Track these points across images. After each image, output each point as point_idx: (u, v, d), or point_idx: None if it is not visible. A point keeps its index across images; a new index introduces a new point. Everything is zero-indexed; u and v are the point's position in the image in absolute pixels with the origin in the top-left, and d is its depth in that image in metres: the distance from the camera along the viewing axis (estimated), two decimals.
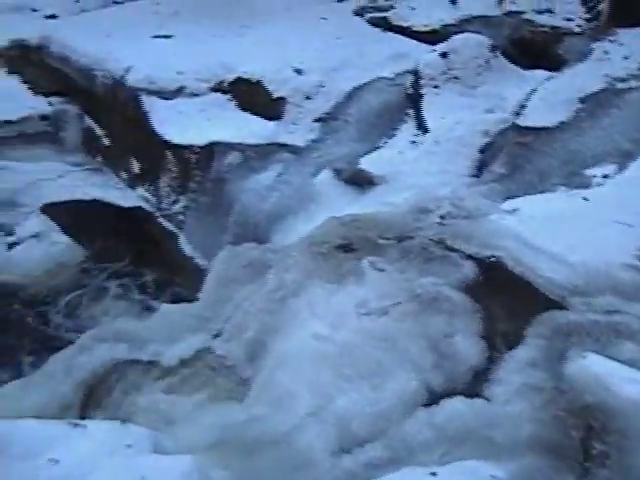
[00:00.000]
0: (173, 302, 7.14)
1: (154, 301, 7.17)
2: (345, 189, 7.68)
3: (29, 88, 9.16)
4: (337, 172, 7.83)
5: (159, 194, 8.05)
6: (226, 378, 6.13)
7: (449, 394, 5.38)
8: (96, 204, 8.09)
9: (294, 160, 7.81)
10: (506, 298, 5.95)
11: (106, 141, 8.37)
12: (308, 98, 8.32)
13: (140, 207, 8.09)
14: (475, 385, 5.45)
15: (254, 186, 7.56)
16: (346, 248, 6.58)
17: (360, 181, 7.74)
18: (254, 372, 6.00)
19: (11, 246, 7.60)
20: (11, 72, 9.43)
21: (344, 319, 5.90)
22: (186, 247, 7.69)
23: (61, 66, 9.04)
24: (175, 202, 7.84)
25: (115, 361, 6.33)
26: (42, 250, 7.63)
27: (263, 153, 7.77)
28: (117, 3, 10.55)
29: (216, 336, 6.33)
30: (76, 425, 5.16)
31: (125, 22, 9.66)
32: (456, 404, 5.30)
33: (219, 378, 6.12)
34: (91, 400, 5.90)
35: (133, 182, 8.35)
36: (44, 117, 8.62)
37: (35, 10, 10.50)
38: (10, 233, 7.68)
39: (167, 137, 7.86)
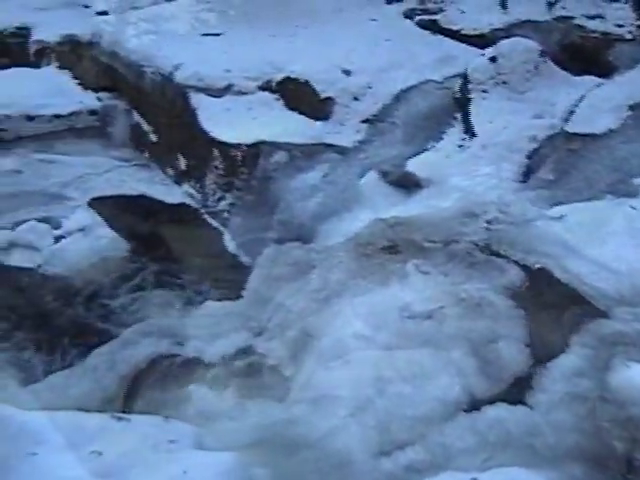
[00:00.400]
0: (216, 299, 7.19)
1: (197, 298, 7.16)
2: (391, 191, 7.68)
3: (79, 83, 9.24)
4: (383, 174, 7.83)
5: (205, 191, 8.08)
6: (267, 376, 6.15)
7: (491, 400, 5.34)
8: (142, 199, 8.15)
9: (340, 161, 7.82)
10: (551, 305, 5.91)
11: (153, 137, 8.42)
12: (356, 99, 8.32)
13: (185, 203, 8.11)
14: (518, 392, 5.42)
15: (300, 186, 7.58)
16: (391, 250, 6.58)
17: (406, 183, 7.73)
18: (295, 371, 6.02)
19: (58, 239, 7.67)
20: (62, 67, 9.53)
21: (387, 321, 5.90)
22: (230, 244, 7.71)
23: (111, 62, 9.11)
24: (220, 199, 7.87)
25: (158, 356, 6.40)
26: (88, 244, 7.69)
27: (309, 153, 7.78)
28: (168, 1, 10.60)
29: (258, 334, 6.36)
30: (120, 419, 5.21)
31: (175, 20, 9.70)
32: (498, 410, 5.27)
33: (260, 376, 6.15)
34: (133, 394, 5.95)
35: (179, 178, 8.39)
36: (93, 112, 8.69)
37: (87, 6, 10.60)
38: (57, 226, 7.75)
39: (214, 134, 7.89)
